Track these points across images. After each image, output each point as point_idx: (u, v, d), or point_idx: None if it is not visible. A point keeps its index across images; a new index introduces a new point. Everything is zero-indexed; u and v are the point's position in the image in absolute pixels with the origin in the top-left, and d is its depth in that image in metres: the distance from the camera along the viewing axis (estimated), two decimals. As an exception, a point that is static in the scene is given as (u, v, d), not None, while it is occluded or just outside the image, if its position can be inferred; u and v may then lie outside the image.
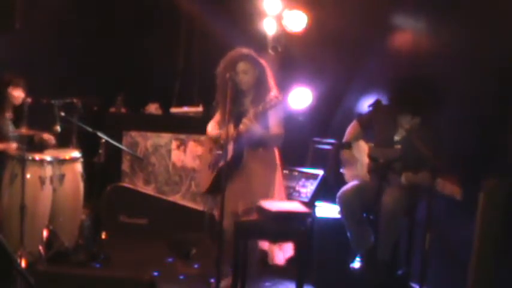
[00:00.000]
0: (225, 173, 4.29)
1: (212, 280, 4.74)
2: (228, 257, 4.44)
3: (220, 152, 4.62)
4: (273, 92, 4.64)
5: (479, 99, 4.73)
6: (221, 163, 4.55)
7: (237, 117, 4.48)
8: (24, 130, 5.40)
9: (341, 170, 5.05)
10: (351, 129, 5.02)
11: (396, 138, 4.75)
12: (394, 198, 4.58)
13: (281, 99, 4.50)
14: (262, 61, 4.70)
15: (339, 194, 4.82)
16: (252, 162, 4.65)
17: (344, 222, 4.82)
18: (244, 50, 4.68)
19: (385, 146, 4.67)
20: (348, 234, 4.80)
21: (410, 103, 4.67)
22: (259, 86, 4.65)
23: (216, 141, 4.71)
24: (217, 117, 4.85)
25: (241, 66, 4.61)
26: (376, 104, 4.95)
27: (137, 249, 5.91)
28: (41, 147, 5.48)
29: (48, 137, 5.46)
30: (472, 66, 4.74)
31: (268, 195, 4.66)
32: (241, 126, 4.50)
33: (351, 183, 4.87)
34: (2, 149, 5.22)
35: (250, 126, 4.49)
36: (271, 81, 4.70)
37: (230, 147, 4.46)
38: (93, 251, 5.43)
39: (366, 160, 4.78)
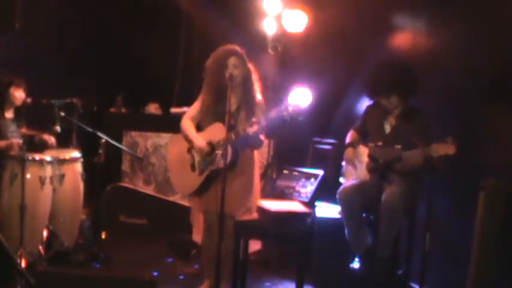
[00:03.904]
0: (224, 175, 4.28)
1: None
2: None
3: (215, 155, 4.58)
4: (258, 96, 4.68)
5: (479, 99, 4.74)
6: (217, 165, 4.53)
7: (222, 115, 4.44)
8: (24, 130, 5.40)
9: (340, 179, 5.07)
10: (349, 137, 5.05)
11: (385, 124, 4.83)
12: (394, 195, 4.58)
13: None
14: (250, 65, 4.71)
15: (339, 190, 4.83)
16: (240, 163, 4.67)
17: (343, 219, 4.83)
18: (237, 47, 4.69)
19: (379, 139, 4.67)
20: (346, 232, 4.80)
21: (386, 83, 4.77)
22: (245, 86, 4.65)
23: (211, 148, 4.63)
24: (193, 111, 4.78)
25: (233, 60, 4.61)
26: (368, 107, 5.03)
27: (137, 249, 5.92)
28: (41, 147, 5.47)
29: (48, 137, 5.45)
30: (471, 66, 4.74)
31: (248, 194, 4.70)
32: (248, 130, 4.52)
33: (352, 181, 4.88)
34: (5, 146, 5.19)
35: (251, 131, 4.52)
36: (256, 85, 4.71)
37: (229, 150, 4.45)
38: (93, 251, 5.43)
39: (366, 161, 4.79)
